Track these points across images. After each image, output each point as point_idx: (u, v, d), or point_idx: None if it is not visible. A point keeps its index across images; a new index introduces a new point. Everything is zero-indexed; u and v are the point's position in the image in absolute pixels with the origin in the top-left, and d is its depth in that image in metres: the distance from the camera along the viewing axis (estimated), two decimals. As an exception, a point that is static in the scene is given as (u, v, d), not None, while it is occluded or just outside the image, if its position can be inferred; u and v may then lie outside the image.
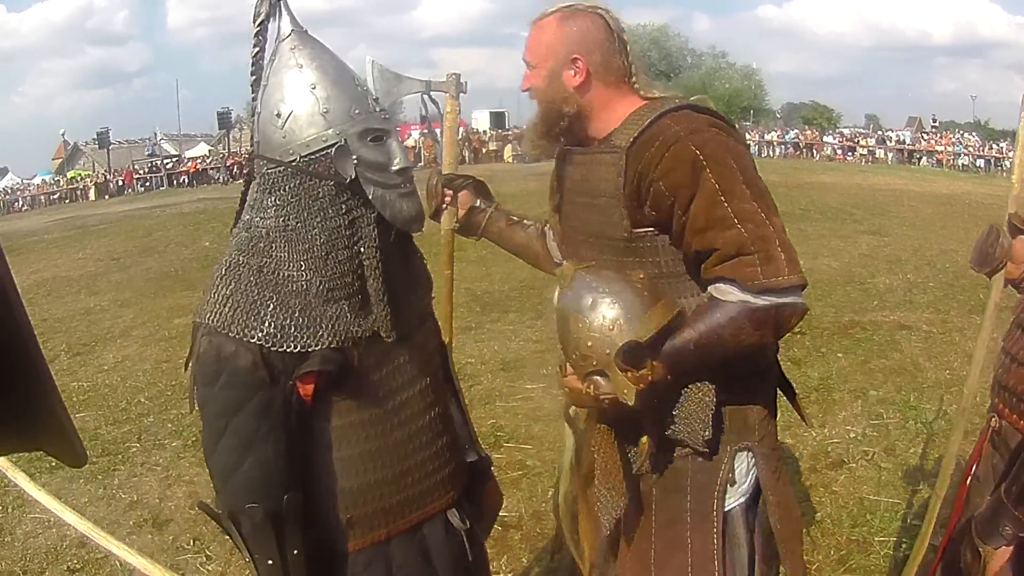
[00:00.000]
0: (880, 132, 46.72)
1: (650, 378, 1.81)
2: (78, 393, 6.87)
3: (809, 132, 45.43)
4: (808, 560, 3.72)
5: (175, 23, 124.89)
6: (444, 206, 2.49)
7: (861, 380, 5.99)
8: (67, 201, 43.22)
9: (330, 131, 1.68)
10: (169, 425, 5.89)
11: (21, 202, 45.55)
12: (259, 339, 1.65)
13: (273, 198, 1.70)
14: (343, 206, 1.70)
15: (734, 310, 1.82)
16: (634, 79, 2.01)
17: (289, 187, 1.69)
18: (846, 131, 49.04)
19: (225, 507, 1.71)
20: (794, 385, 2.30)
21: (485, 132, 44.41)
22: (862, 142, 42.98)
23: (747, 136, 43.01)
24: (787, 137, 44.14)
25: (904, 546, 3.67)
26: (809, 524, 3.94)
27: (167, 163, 44.94)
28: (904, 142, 42.32)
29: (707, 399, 1.94)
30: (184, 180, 42.80)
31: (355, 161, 1.68)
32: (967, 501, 2.44)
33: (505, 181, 25.41)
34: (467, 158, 40.74)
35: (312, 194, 1.69)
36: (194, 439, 5.41)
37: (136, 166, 45.99)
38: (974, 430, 2.60)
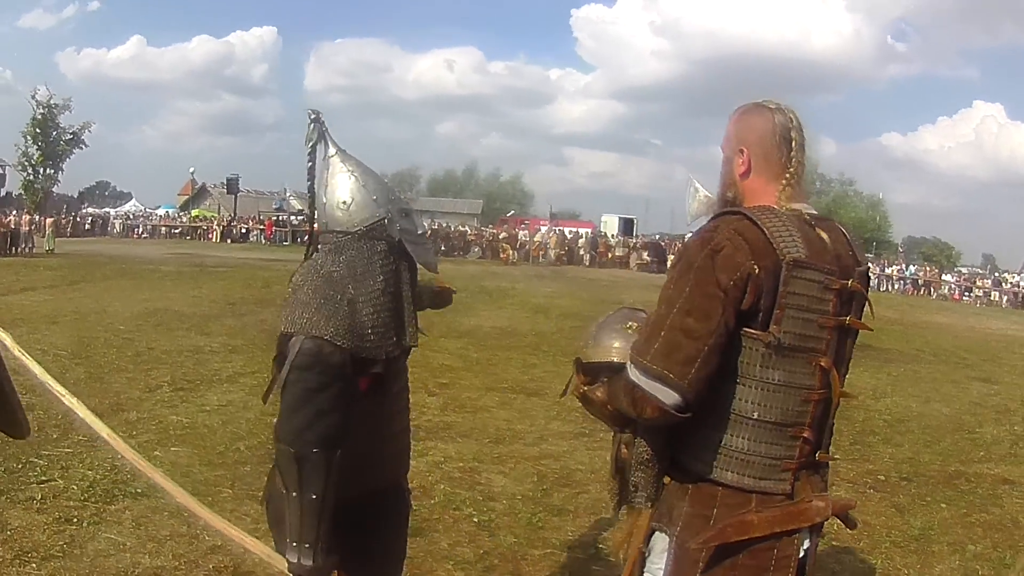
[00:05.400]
0: (996, 274, 45.61)
1: (583, 390, 2.28)
2: (176, 428, 6.82)
3: (928, 269, 44.59)
4: None
5: (312, 85, 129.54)
6: None
7: (961, 533, 5.73)
8: (188, 238, 45.11)
9: (380, 210, 2.45)
10: (266, 478, 5.74)
11: (141, 229, 47.58)
12: (347, 346, 2.28)
13: (343, 256, 2.41)
14: (391, 258, 2.45)
15: (625, 372, 2.02)
16: (788, 175, 2.10)
17: (355, 248, 2.42)
18: (964, 270, 47.99)
19: (296, 449, 2.26)
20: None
21: (612, 236, 44.43)
22: (978, 283, 42.12)
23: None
24: (907, 272, 43.49)
25: None
26: None
27: (293, 220, 45.80)
28: (1020, 286, 41.36)
29: (645, 455, 2.12)
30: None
31: (398, 228, 2.45)
32: None
33: (628, 289, 25.49)
34: (587, 260, 40.29)
35: (372, 250, 2.42)
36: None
37: (263, 216, 47.46)
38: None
